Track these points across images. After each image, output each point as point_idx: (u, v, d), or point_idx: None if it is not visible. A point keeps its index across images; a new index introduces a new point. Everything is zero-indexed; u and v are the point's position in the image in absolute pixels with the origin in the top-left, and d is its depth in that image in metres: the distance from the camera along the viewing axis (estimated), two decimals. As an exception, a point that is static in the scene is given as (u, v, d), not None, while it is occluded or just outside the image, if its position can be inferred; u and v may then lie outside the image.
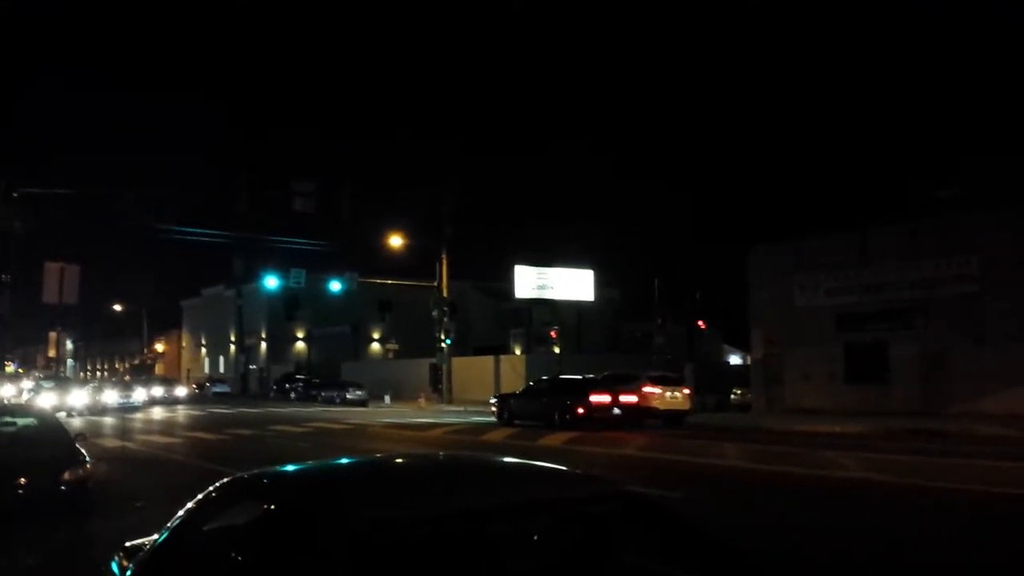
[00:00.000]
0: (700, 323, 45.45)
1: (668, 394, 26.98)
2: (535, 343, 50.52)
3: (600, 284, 49.34)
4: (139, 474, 15.26)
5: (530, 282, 45.38)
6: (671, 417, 26.59)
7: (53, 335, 50.99)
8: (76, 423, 25.43)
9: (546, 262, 46.12)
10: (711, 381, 36.02)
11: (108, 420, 31.22)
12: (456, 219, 42.42)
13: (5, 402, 28.08)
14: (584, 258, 47.98)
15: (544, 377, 30.22)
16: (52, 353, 52.12)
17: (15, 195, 23.60)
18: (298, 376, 58.04)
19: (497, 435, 22.75)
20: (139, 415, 35.97)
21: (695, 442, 19.59)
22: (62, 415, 30.66)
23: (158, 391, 48.54)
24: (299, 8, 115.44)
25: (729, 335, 59.67)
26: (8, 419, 12.09)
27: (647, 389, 26.76)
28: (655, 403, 26.59)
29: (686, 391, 27.72)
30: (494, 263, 49.72)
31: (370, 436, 24.03)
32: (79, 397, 37.20)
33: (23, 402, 32.64)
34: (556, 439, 21.00)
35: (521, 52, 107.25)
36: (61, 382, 42.20)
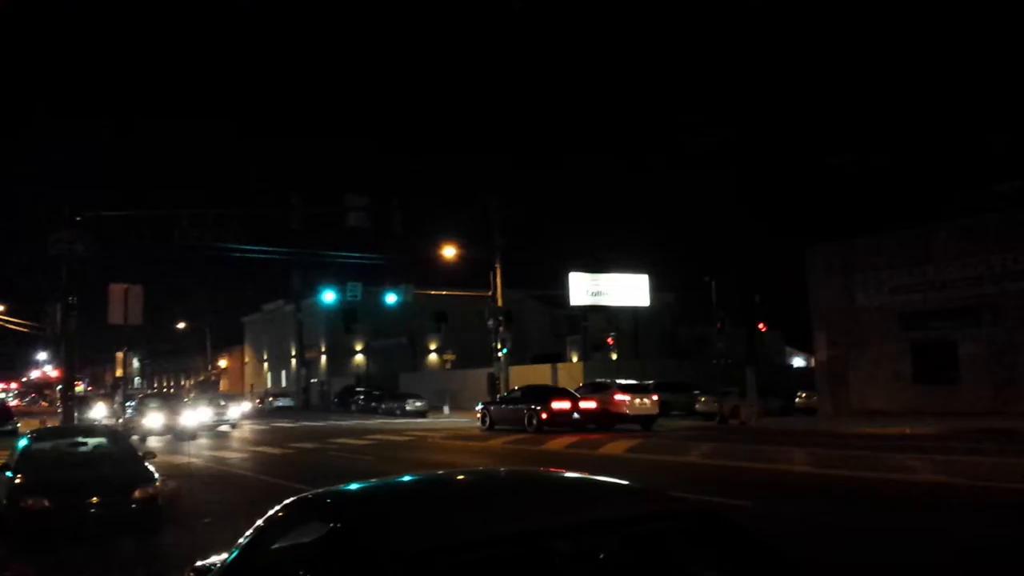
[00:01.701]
0: (760, 325, 44.60)
1: (637, 400, 29.70)
2: (592, 350, 50.24)
3: (655, 288, 48.90)
4: (206, 490, 15.51)
5: (584, 289, 45.14)
6: (642, 420, 29.39)
7: (119, 355, 52.08)
8: (193, 446, 24.22)
9: (600, 268, 45.82)
10: (774, 384, 35.41)
11: (195, 438, 29.15)
12: (508, 228, 42.43)
13: (95, 424, 28.08)
14: (639, 262, 47.66)
15: (517, 387, 33.03)
16: (119, 372, 53.33)
17: (78, 219, 24.21)
18: (358, 388, 58.55)
19: (557, 444, 22.65)
20: (235, 432, 33.61)
21: (761, 448, 19.23)
22: (149, 440, 27.92)
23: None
24: (344, 29, 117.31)
25: (791, 336, 58.57)
26: (80, 439, 12.46)
27: (618, 397, 29.53)
28: (625, 409, 29.31)
29: (654, 398, 30.25)
30: (548, 271, 49.66)
31: (431, 448, 24.13)
32: (192, 416, 31.89)
33: (123, 423, 31.03)
34: (617, 447, 20.82)
35: (566, 52, 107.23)
36: (167, 400, 36.51)
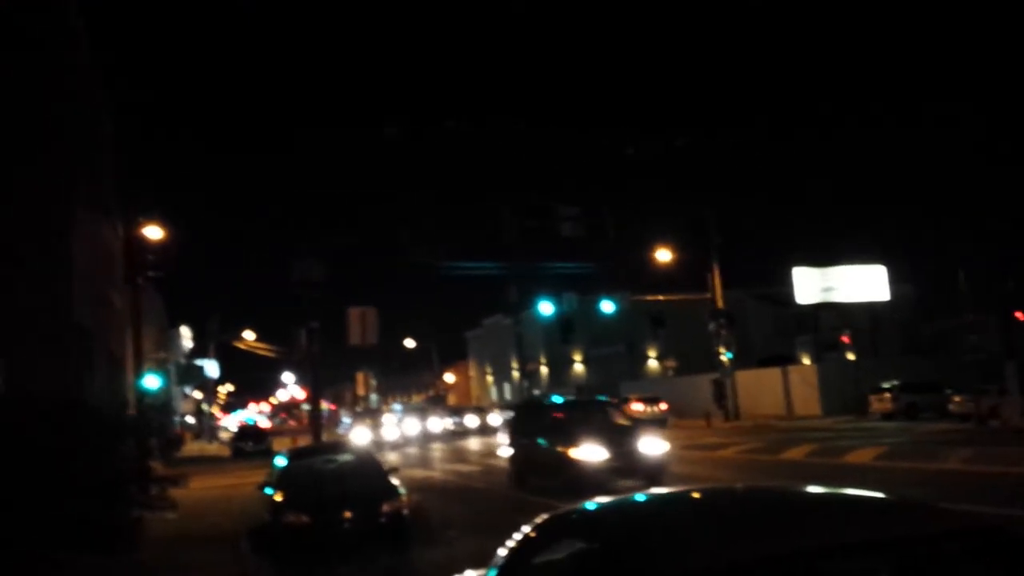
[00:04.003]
0: (1018, 313, 40.01)
1: (648, 408, 39.23)
2: (824, 350, 47.40)
3: (894, 280, 45.42)
4: (446, 503, 15.98)
5: (812, 285, 42.81)
6: (655, 423, 34.59)
7: (360, 375, 55.47)
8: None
9: (829, 261, 43.28)
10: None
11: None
12: (725, 225, 41.14)
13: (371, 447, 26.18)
14: (873, 253, 44.47)
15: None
16: (360, 391, 56.79)
17: (314, 248, 26.08)
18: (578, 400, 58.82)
19: (796, 453, 21.40)
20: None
21: (1031, 451, 17.19)
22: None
23: (450, 421, 51.07)
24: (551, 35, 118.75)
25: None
26: (330, 456, 13.18)
27: (633, 407, 38.43)
28: (640, 416, 36.21)
29: (663, 406, 39.83)
30: (770, 268, 47.46)
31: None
32: (653, 444, 16.66)
33: (515, 456, 18.19)
34: (864, 455, 19.36)
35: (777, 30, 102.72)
36: (593, 412, 19.36)
